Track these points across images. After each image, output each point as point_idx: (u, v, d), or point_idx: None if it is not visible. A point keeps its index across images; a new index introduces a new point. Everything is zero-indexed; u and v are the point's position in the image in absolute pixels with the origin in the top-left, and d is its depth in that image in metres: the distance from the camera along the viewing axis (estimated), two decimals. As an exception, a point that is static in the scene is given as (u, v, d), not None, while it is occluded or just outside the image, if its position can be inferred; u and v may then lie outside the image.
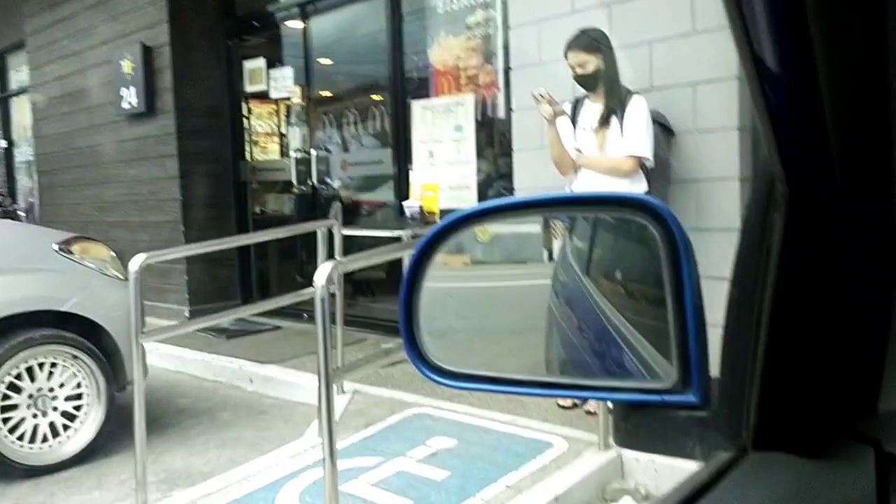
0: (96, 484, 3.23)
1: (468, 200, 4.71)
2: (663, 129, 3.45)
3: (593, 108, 3.41)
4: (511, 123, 4.28)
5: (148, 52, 6.07)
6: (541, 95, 3.37)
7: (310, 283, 5.62)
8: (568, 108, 3.48)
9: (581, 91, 3.47)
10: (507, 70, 4.35)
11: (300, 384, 4.30)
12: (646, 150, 3.27)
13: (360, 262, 2.26)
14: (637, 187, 3.33)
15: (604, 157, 3.37)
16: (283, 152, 6.79)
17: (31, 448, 3.29)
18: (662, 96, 3.51)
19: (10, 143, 9.94)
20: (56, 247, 3.48)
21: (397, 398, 3.87)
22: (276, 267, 6.77)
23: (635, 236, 0.72)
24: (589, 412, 3.39)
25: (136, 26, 6.23)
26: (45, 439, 3.33)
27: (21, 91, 9.25)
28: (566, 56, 3.35)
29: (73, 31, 6.99)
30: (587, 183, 3.42)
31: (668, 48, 3.52)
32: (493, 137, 4.76)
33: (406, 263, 4.39)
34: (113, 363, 3.51)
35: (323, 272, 2.02)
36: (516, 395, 3.71)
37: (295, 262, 6.84)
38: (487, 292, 0.84)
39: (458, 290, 0.73)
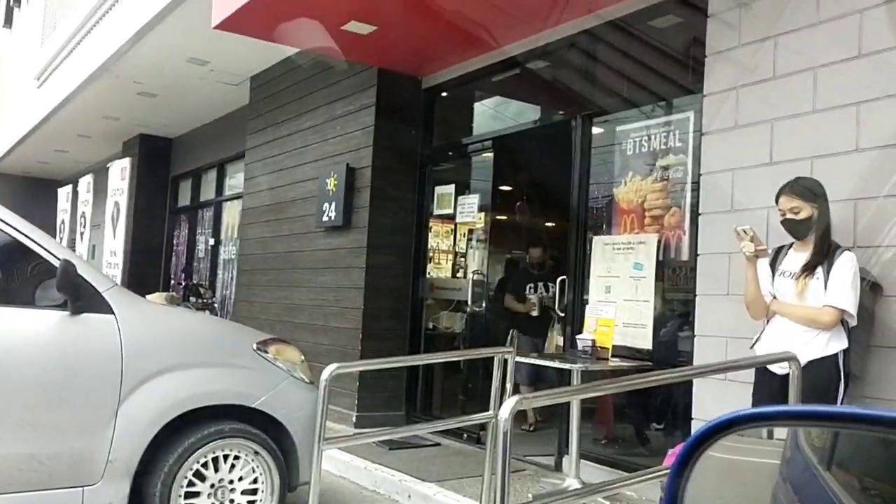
0: (259, 581, 3.33)
1: (643, 339, 4.63)
2: (872, 286, 3.27)
3: (797, 257, 3.32)
4: (696, 266, 4.22)
5: (351, 173, 6.62)
6: (744, 231, 3.34)
7: (471, 401, 5.55)
8: (769, 253, 3.41)
9: (783, 240, 3.40)
10: (694, 213, 4.33)
11: (457, 508, 4.27)
12: (850, 305, 3.10)
13: (544, 399, 2.27)
14: (835, 344, 3.15)
15: (802, 305, 3.23)
16: (456, 272, 7.04)
17: (207, 536, 3.47)
18: (867, 254, 3.34)
19: (218, 242, 11.02)
20: (255, 346, 3.77)
21: (556, 539, 3.73)
22: (441, 382, 6.90)
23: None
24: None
25: (343, 149, 6.85)
26: (219, 529, 3.50)
27: (234, 197, 10.31)
28: (777, 200, 3.31)
29: (287, 150, 7.78)
30: (780, 331, 3.28)
31: (875, 207, 3.38)
32: (675, 278, 4.69)
33: (574, 403, 4.33)
34: (288, 463, 3.67)
35: (508, 406, 2.05)
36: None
37: (459, 379, 6.94)
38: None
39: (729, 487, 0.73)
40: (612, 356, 4.61)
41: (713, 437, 0.64)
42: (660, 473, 2.68)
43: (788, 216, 3.29)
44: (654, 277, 4.63)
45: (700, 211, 4.18)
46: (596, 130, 5.29)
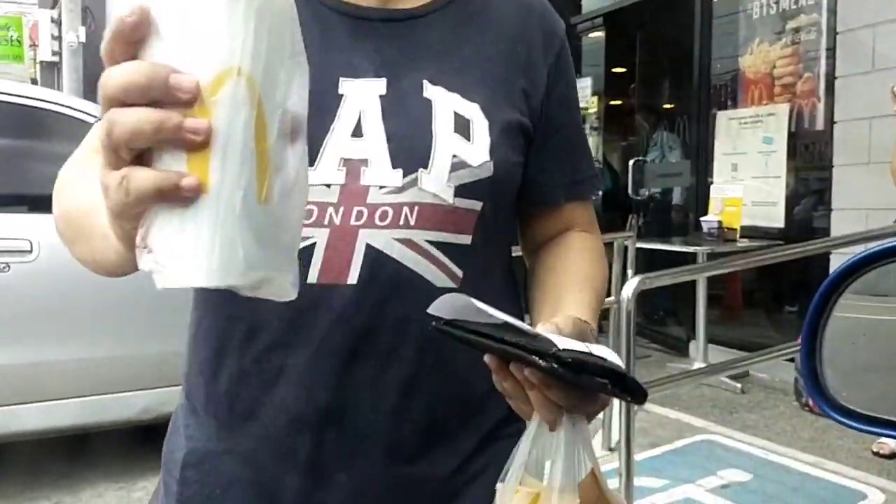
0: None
1: (775, 218, 4.39)
2: None
3: None
4: (832, 136, 3.91)
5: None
6: None
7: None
8: None
9: None
10: (830, 78, 3.98)
11: (583, 393, 4.31)
12: None
13: (666, 279, 2.19)
14: None
15: None
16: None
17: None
18: None
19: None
20: None
21: (685, 421, 3.71)
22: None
23: None
24: (914, 466, 2.93)
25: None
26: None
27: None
28: None
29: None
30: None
31: None
32: (808, 151, 4.38)
33: (700, 284, 4.19)
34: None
35: (630, 286, 1.99)
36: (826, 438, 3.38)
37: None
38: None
39: (872, 324, 0.67)
40: (741, 237, 4.41)
41: (860, 270, 0.58)
42: (789, 350, 2.56)
43: None
44: (785, 151, 4.34)
45: (837, 74, 3.84)
46: (716, -4, 4.90)
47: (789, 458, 3.16)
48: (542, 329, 0.59)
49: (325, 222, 0.69)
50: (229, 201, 0.41)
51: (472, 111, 0.74)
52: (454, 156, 0.71)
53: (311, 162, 0.67)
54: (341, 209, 0.69)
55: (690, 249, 4.26)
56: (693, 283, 4.46)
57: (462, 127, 0.73)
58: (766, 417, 3.72)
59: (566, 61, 0.84)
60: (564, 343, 0.54)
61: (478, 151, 0.72)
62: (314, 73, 0.65)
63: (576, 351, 0.54)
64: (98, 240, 0.54)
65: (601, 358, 0.55)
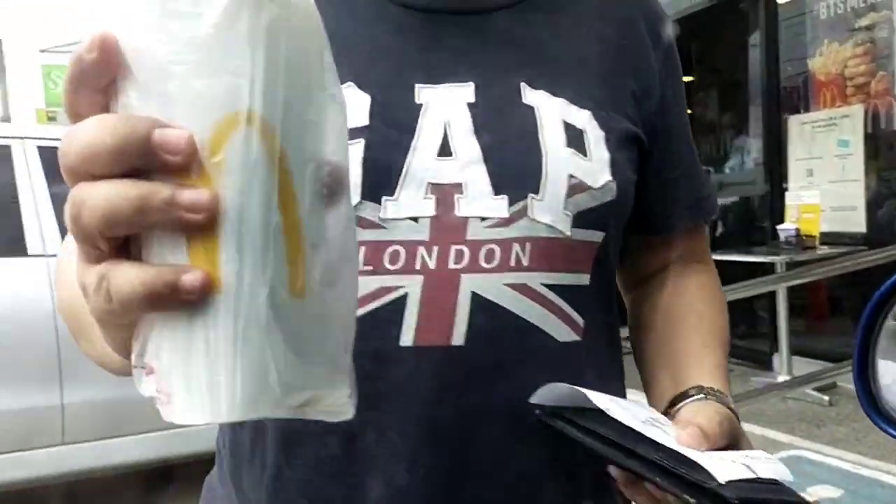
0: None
1: (856, 223, 4.23)
2: None
3: None
4: (913, 134, 3.76)
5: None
6: None
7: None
8: None
9: None
10: (906, 75, 3.84)
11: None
12: None
13: (738, 292, 2.14)
14: None
15: None
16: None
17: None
18: None
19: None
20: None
21: (770, 437, 3.59)
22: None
23: None
24: None
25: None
26: None
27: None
28: None
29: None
30: None
31: None
32: (888, 151, 4.21)
33: (780, 295, 4.06)
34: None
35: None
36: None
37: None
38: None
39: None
40: (821, 244, 4.26)
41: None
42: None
43: None
44: (863, 153, 4.19)
45: (912, 70, 3.70)
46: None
47: (883, 472, 3.01)
48: (685, 436, 0.50)
49: (417, 266, 0.55)
50: (252, 302, 0.29)
51: (584, 120, 0.61)
52: (571, 176, 0.58)
53: (391, 191, 0.56)
54: (435, 249, 0.55)
55: (768, 259, 4.12)
56: (773, 294, 4.33)
57: (575, 140, 0.60)
58: (856, 430, 3.57)
59: (674, 57, 0.70)
60: (721, 470, 0.43)
61: (598, 170, 0.60)
62: (385, 81, 0.59)
63: (741, 483, 0.43)
64: (98, 341, 0.39)
65: (771, 483, 0.45)
